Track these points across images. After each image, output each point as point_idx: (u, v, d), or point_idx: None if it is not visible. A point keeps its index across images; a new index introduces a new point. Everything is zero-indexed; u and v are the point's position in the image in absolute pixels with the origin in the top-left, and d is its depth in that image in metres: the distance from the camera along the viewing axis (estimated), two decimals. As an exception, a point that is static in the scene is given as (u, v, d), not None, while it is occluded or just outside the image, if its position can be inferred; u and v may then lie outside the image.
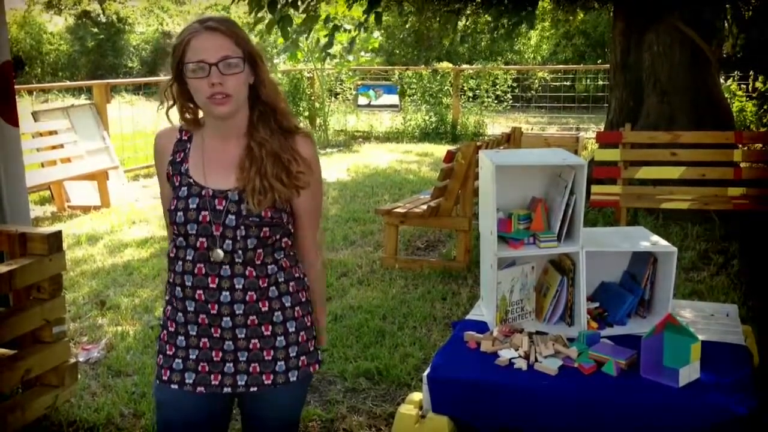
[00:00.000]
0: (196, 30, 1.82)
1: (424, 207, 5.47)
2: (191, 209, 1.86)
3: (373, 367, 3.79)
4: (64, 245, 3.42)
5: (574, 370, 2.63)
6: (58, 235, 3.27)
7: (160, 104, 1.91)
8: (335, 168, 9.99)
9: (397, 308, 4.64)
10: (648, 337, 2.57)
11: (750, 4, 8.40)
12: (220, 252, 1.84)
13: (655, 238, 3.15)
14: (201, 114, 1.94)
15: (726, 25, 7.94)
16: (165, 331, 1.96)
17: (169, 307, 1.94)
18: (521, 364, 2.67)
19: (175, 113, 1.93)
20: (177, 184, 1.91)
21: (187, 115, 1.92)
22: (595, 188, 6.16)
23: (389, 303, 4.72)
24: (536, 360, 2.69)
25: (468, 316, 3.26)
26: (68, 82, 17.86)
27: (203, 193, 1.87)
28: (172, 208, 1.88)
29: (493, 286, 2.98)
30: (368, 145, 12.42)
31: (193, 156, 1.92)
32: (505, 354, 2.74)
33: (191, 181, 1.89)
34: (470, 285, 5.02)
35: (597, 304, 3.11)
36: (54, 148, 7.88)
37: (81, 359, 3.96)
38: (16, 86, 3.88)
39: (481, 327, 3.04)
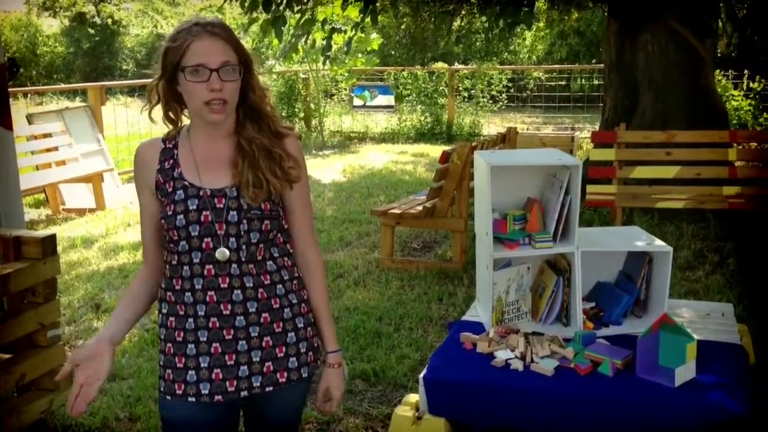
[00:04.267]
0: (197, 33, 1.81)
1: (420, 208, 5.47)
2: (191, 211, 1.85)
3: (370, 368, 3.78)
4: (59, 248, 3.41)
5: (571, 371, 2.63)
6: (52, 238, 3.26)
7: (146, 104, 1.91)
8: (331, 169, 9.99)
9: (394, 309, 4.63)
10: (644, 336, 2.57)
11: (744, 3, 8.42)
12: (225, 251, 1.84)
13: (651, 237, 3.15)
14: (185, 117, 1.94)
15: (720, 24, 7.96)
16: (170, 344, 1.91)
17: (172, 318, 1.91)
18: (517, 364, 2.67)
19: (156, 114, 1.92)
20: (170, 189, 1.89)
21: (171, 115, 1.91)
22: (590, 188, 6.17)
23: (385, 304, 4.72)
24: (532, 361, 2.69)
25: (464, 317, 3.26)
26: (63, 85, 17.82)
27: (201, 193, 1.87)
28: (170, 213, 1.86)
29: (489, 287, 2.98)
30: (364, 146, 12.42)
31: (183, 160, 1.91)
32: (502, 355, 2.74)
33: (186, 183, 1.88)
34: (466, 286, 5.01)
35: (593, 304, 3.11)
36: (48, 150, 7.88)
37: (76, 363, 3.94)
38: (10, 89, 3.87)
39: (477, 328, 3.03)
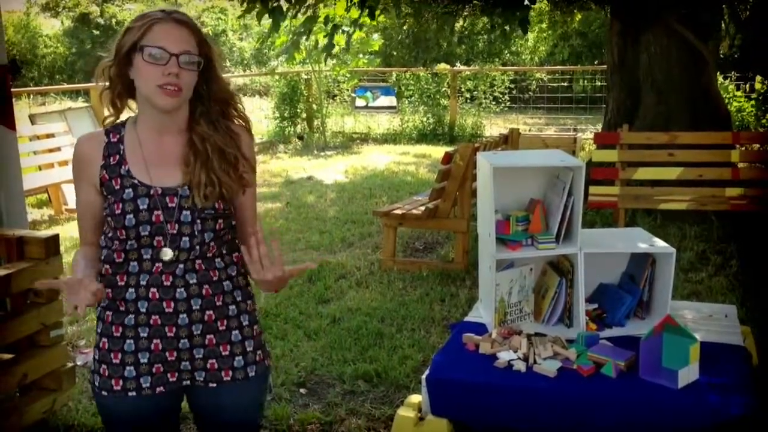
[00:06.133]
0: (161, 17, 1.78)
1: (422, 208, 5.47)
2: (142, 210, 1.80)
3: (372, 369, 3.78)
4: (62, 248, 3.41)
5: (573, 372, 2.63)
6: (55, 238, 3.27)
7: (95, 82, 1.87)
8: (333, 170, 9.99)
9: (396, 310, 4.63)
10: (647, 338, 2.57)
11: (747, 3, 8.41)
12: (168, 251, 1.80)
13: (654, 239, 3.15)
14: (134, 107, 1.89)
15: (723, 25, 7.95)
16: (105, 339, 1.88)
17: (109, 313, 1.87)
18: (520, 365, 2.67)
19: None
20: (118, 187, 1.83)
21: (117, 102, 1.87)
22: (593, 189, 6.17)
23: (388, 305, 4.72)
24: (535, 362, 2.68)
25: (466, 318, 3.26)
26: (66, 85, 17.83)
27: (151, 192, 1.82)
28: (119, 212, 1.80)
29: (492, 288, 2.98)
30: (366, 147, 12.42)
31: (131, 156, 1.85)
32: (504, 356, 2.74)
33: (135, 181, 1.82)
34: (468, 286, 5.01)
35: (596, 306, 3.10)
36: (51, 151, 7.89)
37: (79, 363, 3.95)
38: (13, 89, 3.88)
39: (480, 329, 3.03)
